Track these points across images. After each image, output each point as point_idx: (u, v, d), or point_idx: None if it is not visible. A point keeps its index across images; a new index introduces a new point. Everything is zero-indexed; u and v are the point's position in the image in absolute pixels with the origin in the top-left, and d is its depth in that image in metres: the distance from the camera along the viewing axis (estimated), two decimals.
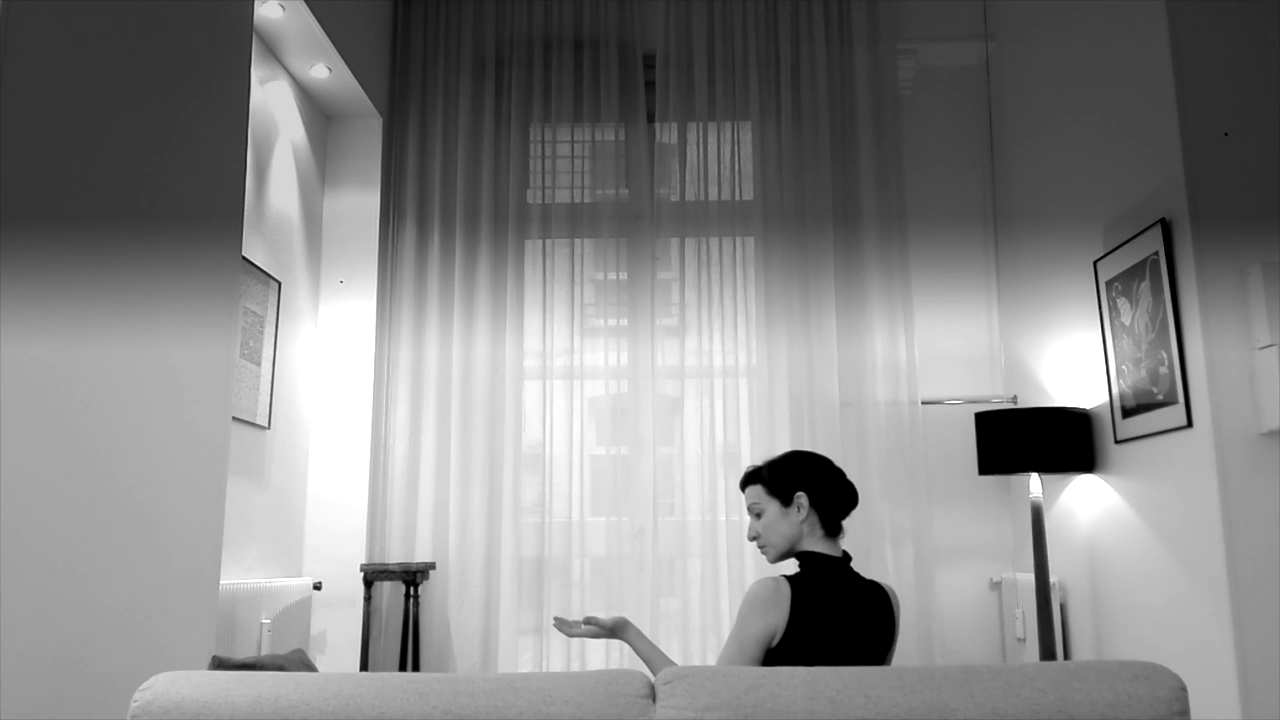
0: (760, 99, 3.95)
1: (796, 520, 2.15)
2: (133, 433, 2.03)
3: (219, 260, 2.42)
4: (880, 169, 3.90)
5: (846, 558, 2.16)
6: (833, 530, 2.17)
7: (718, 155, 3.96)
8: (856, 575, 2.13)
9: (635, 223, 3.97)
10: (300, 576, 3.57)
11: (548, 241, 3.95)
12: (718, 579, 3.67)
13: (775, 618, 2.00)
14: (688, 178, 3.95)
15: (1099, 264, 3.00)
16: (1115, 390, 2.92)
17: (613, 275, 3.95)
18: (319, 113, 3.80)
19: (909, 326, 3.79)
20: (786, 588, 2.02)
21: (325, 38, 3.27)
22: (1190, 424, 2.53)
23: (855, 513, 3.68)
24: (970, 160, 4.01)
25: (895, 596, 2.17)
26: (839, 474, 2.22)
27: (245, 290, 3.11)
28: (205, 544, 2.33)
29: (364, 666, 3.48)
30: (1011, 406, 3.51)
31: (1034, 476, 3.13)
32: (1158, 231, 2.64)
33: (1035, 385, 3.57)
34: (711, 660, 3.63)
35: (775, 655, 2.01)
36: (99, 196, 1.93)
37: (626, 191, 3.99)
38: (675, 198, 3.95)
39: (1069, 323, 3.28)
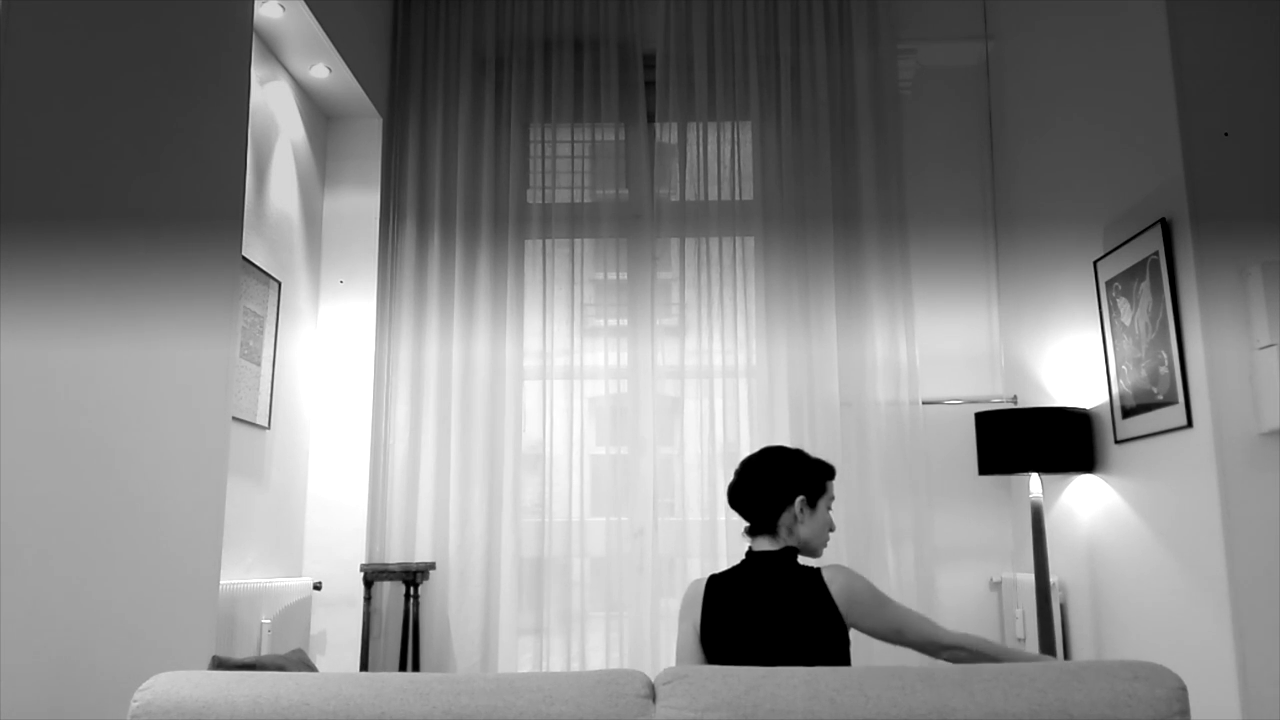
0: (760, 99, 3.94)
1: None
2: (133, 433, 2.03)
3: (219, 260, 2.42)
4: (880, 169, 3.90)
5: (780, 555, 2.18)
6: (748, 530, 2.26)
7: (718, 155, 3.96)
8: (795, 568, 2.15)
9: (635, 223, 3.97)
10: (300, 576, 3.57)
11: (548, 241, 3.95)
12: None
13: (692, 617, 2.20)
14: (688, 178, 3.95)
15: (1099, 264, 3.00)
16: (1115, 390, 2.92)
17: (613, 275, 3.95)
18: (319, 113, 3.80)
19: (909, 326, 3.79)
20: (701, 586, 2.22)
21: (325, 38, 3.27)
22: (1190, 424, 2.53)
23: (855, 512, 3.68)
24: (970, 160, 4.01)
25: (835, 574, 2.12)
26: (731, 485, 2.29)
27: (245, 290, 3.11)
28: (205, 544, 2.33)
29: (364, 666, 3.48)
30: (1011, 406, 3.51)
31: (1034, 476, 3.13)
32: (1158, 231, 2.64)
33: (1035, 385, 3.57)
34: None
35: (702, 642, 2.18)
36: (99, 196, 1.93)
37: (626, 191, 3.99)
38: (675, 198, 3.95)
39: (1069, 323, 3.28)
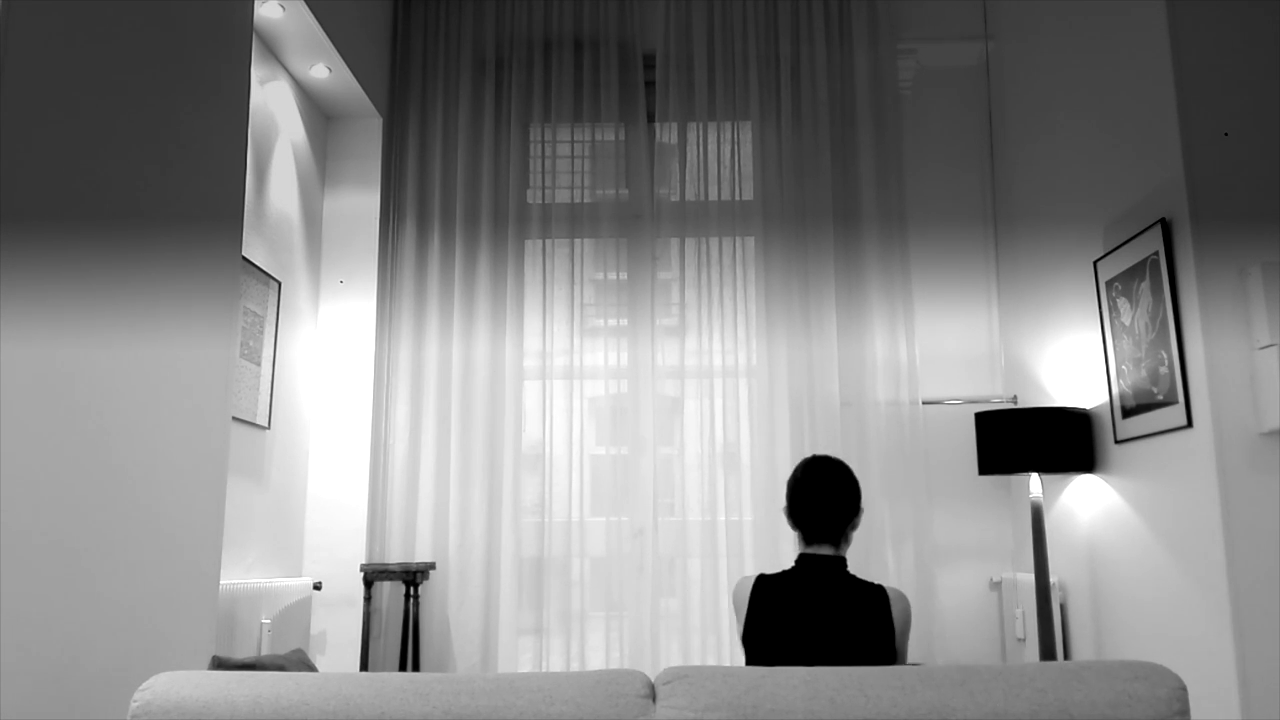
0: (760, 99, 3.95)
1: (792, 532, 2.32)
2: (133, 433, 2.03)
3: (219, 260, 2.42)
4: (880, 169, 3.90)
5: (834, 561, 2.21)
6: (810, 539, 2.26)
7: (718, 155, 3.96)
8: (849, 577, 2.19)
9: (635, 223, 3.97)
10: (300, 576, 3.57)
11: (548, 241, 3.95)
12: (718, 579, 3.67)
13: (740, 612, 2.24)
14: (688, 178, 3.95)
15: (1099, 264, 3.00)
16: (1115, 390, 2.92)
17: (613, 275, 3.95)
18: (319, 113, 3.80)
19: (909, 326, 3.79)
20: (749, 584, 2.24)
21: (325, 38, 3.27)
22: (1190, 424, 2.52)
23: None
24: (970, 160, 4.01)
25: (898, 598, 2.19)
26: (799, 493, 2.27)
27: (245, 290, 3.11)
28: (205, 544, 2.33)
29: (364, 666, 3.48)
30: (1011, 406, 3.51)
31: (1034, 476, 3.13)
32: (1158, 231, 2.64)
33: (1035, 385, 3.57)
34: (711, 660, 3.63)
35: (744, 642, 2.21)
36: (99, 196, 1.93)
37: (626, 191, 3.99)
38: (675, 198, 3.95)
39: (1069, 323, 3.28)
